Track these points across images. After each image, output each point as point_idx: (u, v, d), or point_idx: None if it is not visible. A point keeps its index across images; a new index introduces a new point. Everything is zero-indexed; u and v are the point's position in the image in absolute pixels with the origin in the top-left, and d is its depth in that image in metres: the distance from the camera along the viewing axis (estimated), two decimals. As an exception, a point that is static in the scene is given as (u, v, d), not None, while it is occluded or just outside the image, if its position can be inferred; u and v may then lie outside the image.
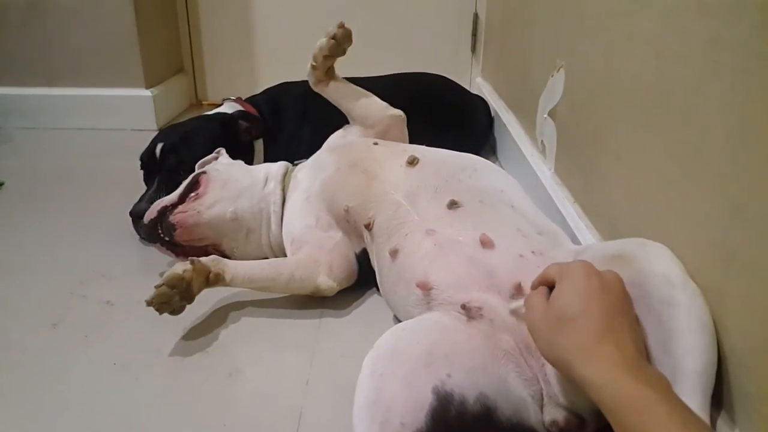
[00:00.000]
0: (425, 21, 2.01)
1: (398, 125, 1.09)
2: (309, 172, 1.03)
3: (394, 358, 0.63)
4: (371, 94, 1.10)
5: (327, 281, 0.91)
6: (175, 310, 0.83)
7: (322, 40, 1.03)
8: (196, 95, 2.18)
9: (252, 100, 1.36)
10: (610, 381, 0.47)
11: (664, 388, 0.46)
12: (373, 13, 2.00)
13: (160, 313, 0.82)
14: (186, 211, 0.99)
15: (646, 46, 0.71)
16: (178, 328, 0.87)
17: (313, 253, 0.93)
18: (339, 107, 1.11)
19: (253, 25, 2.07)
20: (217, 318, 0.90)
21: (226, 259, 0.91)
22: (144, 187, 1.18)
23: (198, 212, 0.99)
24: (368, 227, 0.89)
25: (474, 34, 2.01)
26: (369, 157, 0.96)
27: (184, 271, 0.83)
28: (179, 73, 2.10)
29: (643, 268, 0.58)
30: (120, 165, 1.46)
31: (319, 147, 1.10)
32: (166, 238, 0.99)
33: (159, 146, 1.17)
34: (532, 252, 0.73)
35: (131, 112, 1.84)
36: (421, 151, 0.96)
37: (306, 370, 0.79)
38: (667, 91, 0.65)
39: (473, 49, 2.03)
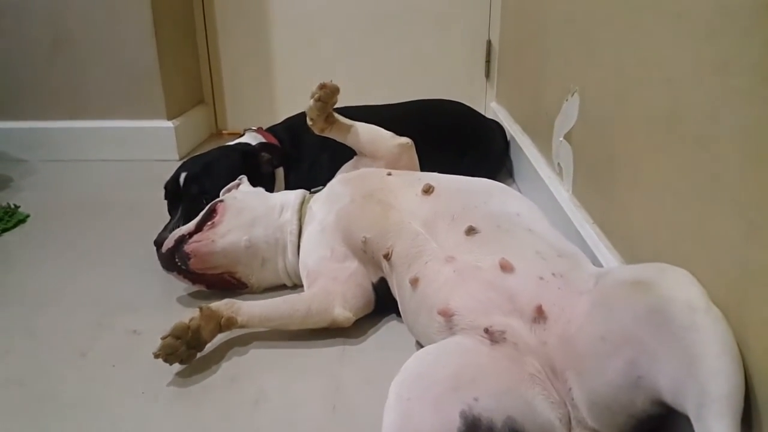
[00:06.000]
0: (439, 49, 2.04)
1: (407, 153, 1.10)
2: (323, 204, 1.04)
3: (420, 382, 0.63)
4: (375, 126, 1.12)
5: (343, 312, 0.92)
6: (184, 360, 0.85)
7: (310, 103, 1.06)
8: (217, 125, 2.22)
9: (272, 130, 1.38)
10: None
11: None
12: (388, 42, 2.03)
13: (170, 363, 0.84)
14: (200, 240, 1.01)
15: (657, 71, 0.72)
16: (204, 356, 0.88)
17: (328, 285, 0.94)
18: (348, 145, 1.13)
19: (271, 57, 2.12)
20: (241, 346, 0.91)
21: (240, 301, 0.91)
22: (168, 217, 1.21)
23: (212, 241, 1.01)
24: (387, 257, 0.89)
25: (487, 61, 2.03)
26: (383, 188, 0.97)
27: (191, 320, 0.85)
28: (200, 104, 2.14)
29: (664, 293, 0.57)
30: (143, 195, 1.48)
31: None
32: (183, 267, 1.01)
33: (182, 176, 1.20)
34: (552, 274, 0.73)
35: (153, 142, 1.87)
36: (435, 178, 0.96)
37: (332, 396, 0.79)
38: (679, 115, 0.66)
39: (487, 75, 2.06)
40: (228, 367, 0.87)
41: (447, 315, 0.73)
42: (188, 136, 1.98)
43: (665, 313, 0.56)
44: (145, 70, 1.82)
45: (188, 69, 2.07)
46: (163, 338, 0.83)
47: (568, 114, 1.08)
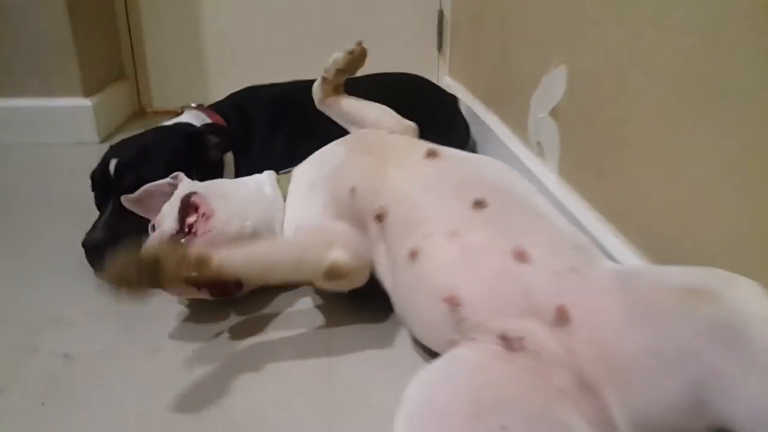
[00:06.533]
0: (386, 21, 1.96)
1: (411, 135, 1.03)
2: (314, 166, 0.94)
3: (432, 416, 0.53)
4: (385, 106, 1.05)
5: (343, 254, 0.77)
6: (134, 289, 0.65)
7: (338, 54, 0.98)
8: (140, 103, 2.03)
9: (217, 108, 1.23)
10: None
11: None
12: (330, 14, 1.93)
13: (122, 292, 0.64)
14: (209, 230, 0.85)
15: (686, 34, 0.64)
16: (161, 385, 0.73)
17: (321, 233, 0.81)
18: (348, 123, 1.04)
19: (201, 27, 1.96)
20: (207, 365, 0.77)
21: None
22: (96, 212, 1.03)
23: (221, 230, 0.86)
24: (379, 218, 0.78)
25: (440, 33, 1.95)
26: (384, 144, 0.90)
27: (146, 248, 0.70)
28: (120, 79, 1.95)
29: (734, 307, 0.50)
30: (62, 185, 1.31)
31: (295, 157, 1.00)
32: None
33: (113, 163, 1.02)
34: (570, 269, 0.64)
35: (69, 123, 1.68)
36: (438, 146, 0.88)
37: (324, 427, 0.67)
38: (717, 78, 0.58)
39: (439, 47, 1.98)
40: (192, 397, 0.72)
41: (454, 303, 0.64)
42: (108, 116, 1.80)
43: (739, 330, 0.49)
44: (57, 40, 1.62)
45: (106, 39, 1.87)
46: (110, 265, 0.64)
47: (552, 88, 1.00)
